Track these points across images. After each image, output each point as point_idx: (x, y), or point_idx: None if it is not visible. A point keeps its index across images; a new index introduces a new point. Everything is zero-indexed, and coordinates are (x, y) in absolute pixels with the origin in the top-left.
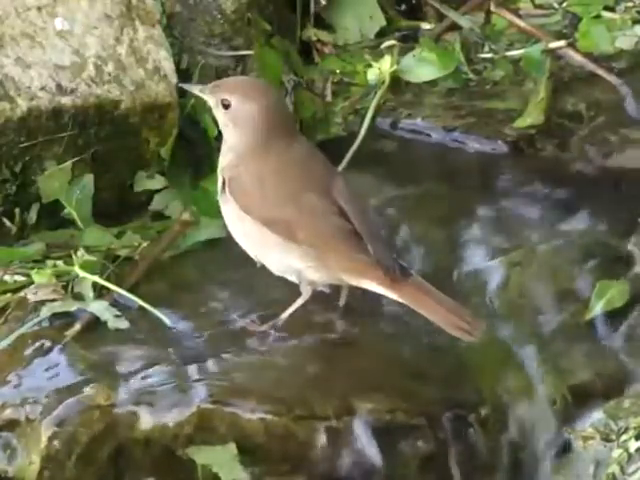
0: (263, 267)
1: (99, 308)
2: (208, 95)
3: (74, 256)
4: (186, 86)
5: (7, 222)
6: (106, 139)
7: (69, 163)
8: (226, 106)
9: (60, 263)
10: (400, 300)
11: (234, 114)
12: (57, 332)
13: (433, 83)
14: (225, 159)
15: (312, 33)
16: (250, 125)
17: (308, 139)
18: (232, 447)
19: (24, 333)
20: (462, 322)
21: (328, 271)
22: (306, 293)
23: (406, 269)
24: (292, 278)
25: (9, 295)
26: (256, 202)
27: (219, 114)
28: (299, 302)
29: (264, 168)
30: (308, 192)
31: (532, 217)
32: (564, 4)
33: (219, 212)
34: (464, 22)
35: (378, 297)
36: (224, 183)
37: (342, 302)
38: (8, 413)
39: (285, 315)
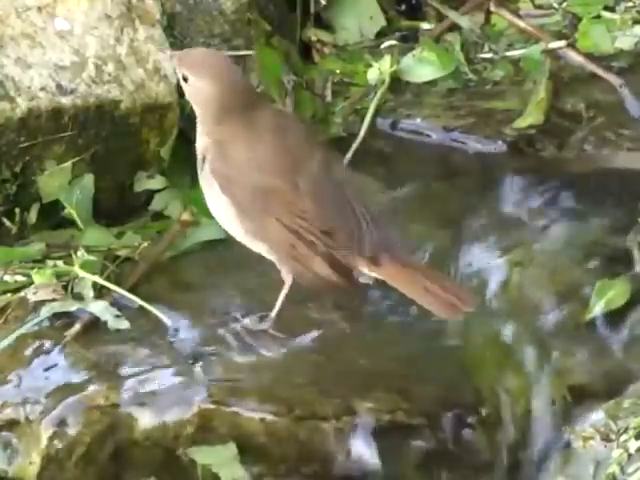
0: (263, 267)
1: (99, 308)
2: (175, 65)
3: (74, 256)
4: (164, 50)
5: (7, 222)
6: (106, 139)
7: (69, 163)
8: (185, 79)
9: (60, 263)
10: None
11: (190, 90)
12: (57, 332)
13: (433, 83)
14: (199, 137)
15: (312, 33)
16: (204, 104)
17: None
18: (232, 447)
19: (24, 333)
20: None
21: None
22: (288, 281)
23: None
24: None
25: (9, 295)
26: (229, 189)
27: (183, 85)
28: (284, 292)
29: (232, 151)
30: (278, 180)
31: (532, 217)
32: (564, 4)
33: None
34: (464, 22)
35: (378, 297)
36: (203, 161)
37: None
38: (8, 413)
39: (276, 308)
